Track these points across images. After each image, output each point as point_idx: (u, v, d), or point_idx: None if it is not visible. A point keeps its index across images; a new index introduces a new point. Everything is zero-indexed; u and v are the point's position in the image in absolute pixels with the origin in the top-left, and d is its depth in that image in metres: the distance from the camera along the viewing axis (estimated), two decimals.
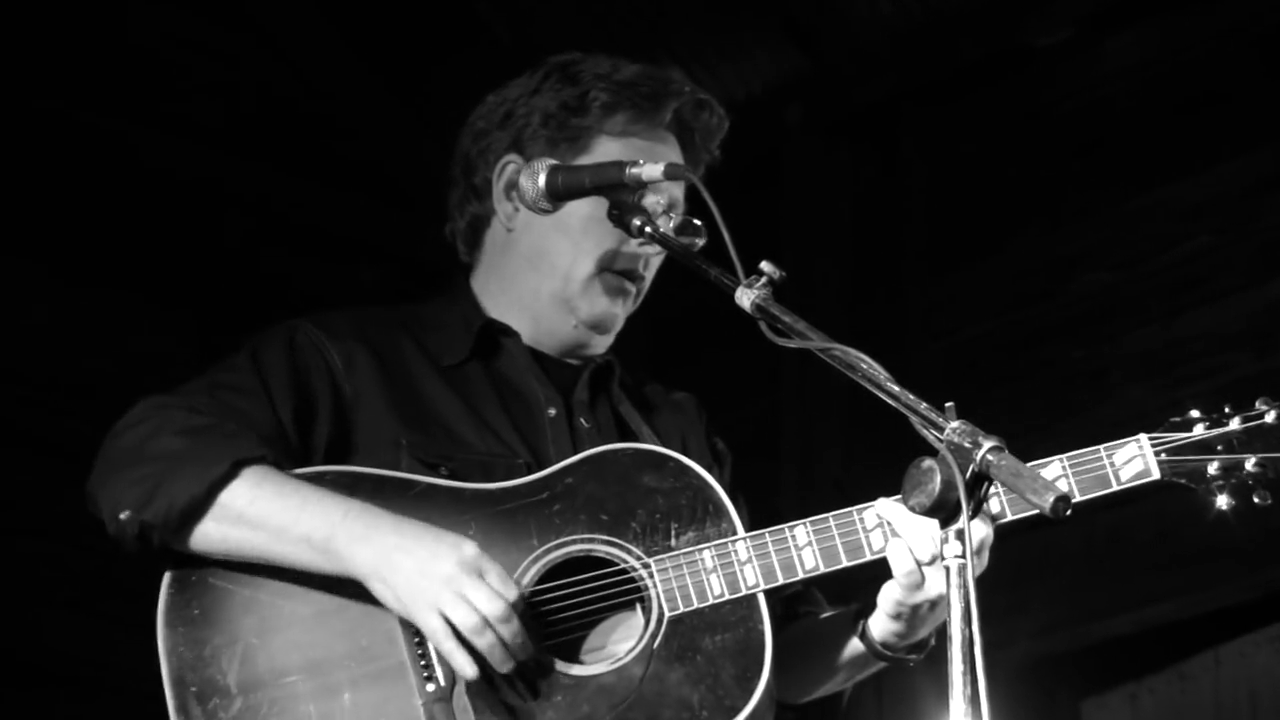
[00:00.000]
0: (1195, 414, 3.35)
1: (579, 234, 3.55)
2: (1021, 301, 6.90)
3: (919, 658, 3.47)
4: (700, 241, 3.46)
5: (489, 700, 3.21)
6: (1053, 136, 6.93)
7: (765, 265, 3.06)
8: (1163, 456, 3.30)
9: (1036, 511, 2.65)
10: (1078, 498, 3.27)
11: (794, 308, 3.03)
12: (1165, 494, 3.36)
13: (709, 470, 3.54)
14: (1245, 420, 3.31)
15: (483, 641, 3.16)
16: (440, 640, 3.18)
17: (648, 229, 3.28)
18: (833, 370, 2.93)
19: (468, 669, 3.17)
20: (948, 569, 2.64)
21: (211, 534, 3.24)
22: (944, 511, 2.66)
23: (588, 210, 3.49)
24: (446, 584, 3.15)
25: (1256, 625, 6.41)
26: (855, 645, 3.45)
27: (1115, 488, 3.30)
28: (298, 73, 7.20)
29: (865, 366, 2.86)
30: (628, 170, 3.29)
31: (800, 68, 7.36)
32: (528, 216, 3.56)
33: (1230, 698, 6.37)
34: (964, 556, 2.64)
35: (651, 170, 3.27)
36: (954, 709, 2.59)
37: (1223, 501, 3.30)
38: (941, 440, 2.68)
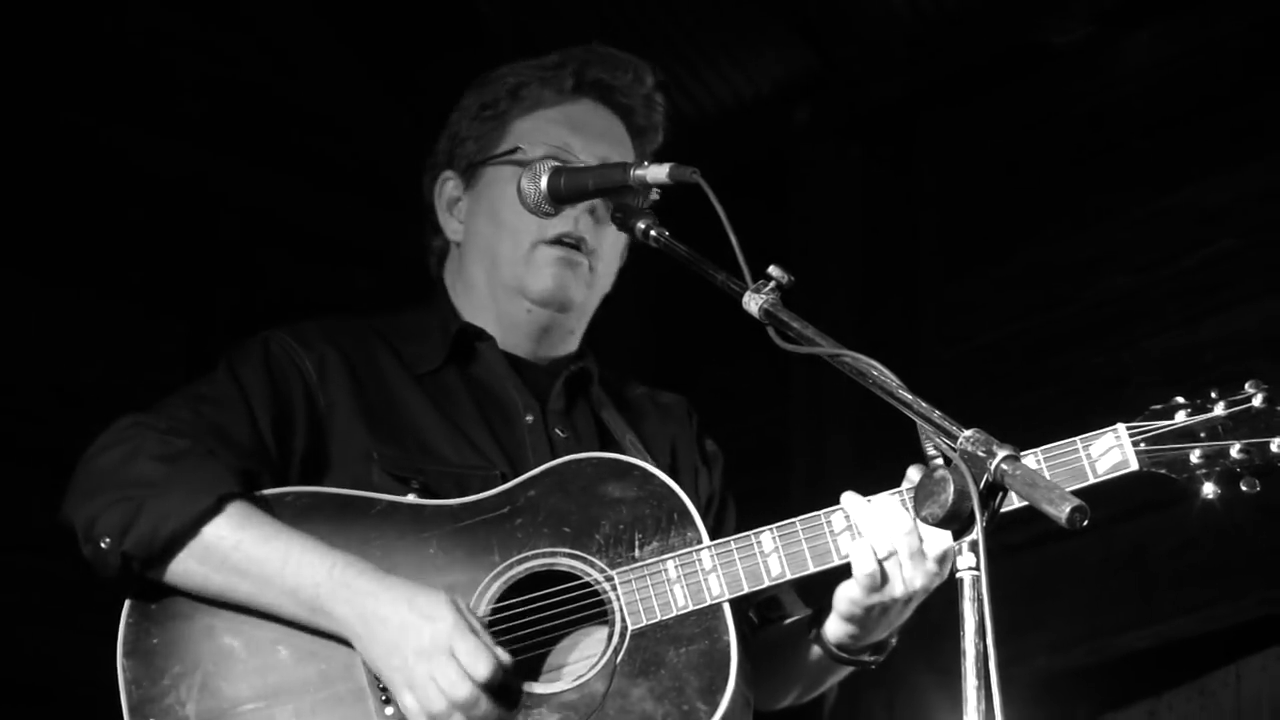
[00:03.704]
0: (1179, 400, 3.30)
1: (508, 216, 3.62)
2: (1038, 307, 6.90)
3: (879, 659, 3.49)
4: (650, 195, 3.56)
5: None
6: (1070, 137, 6.93)
7: (774, 270, 3.08)
8: (1141, 446, 3.27)
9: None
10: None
11: (803, 313, 3.04)
12: (1184, 506, 3.35)
13: (697, 474, 3.61)
14: (1230, 405, 3.25)
15: None
16: (413, 718, 3.22)
17: (653, 232, 3.30)
18: (843, 378, 2.94)
19: None
20: (961, 580, 2.65)
21: (194, 573, 3.29)
22: (957, 522, 2.67)
23: (512, 191, 3.55)
24: (418, 660, 3.19)
25: (1278, 640, 6.41)
26: (813, 650, 3.48)
27: (1092, 480, 3.28)
28: (294, 74, 7.21)
29: (876, 374, 2.88)
30: (631, 172, 3.33)
31: (810, 67, 7.37)
32: (468, 222, 3.69)
33: (1252, 713, 6.36)
34: (978, 568, 2.65)
35: (656, 172, 3.30)
36: None
37: (1208, 490, 3.24)
38: (955, 449, 2.69)
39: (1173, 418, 3.28)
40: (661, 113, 3.82)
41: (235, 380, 3.46)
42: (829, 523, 3.36)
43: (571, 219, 3.60)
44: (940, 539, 3.27)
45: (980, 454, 2.66)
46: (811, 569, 3.34)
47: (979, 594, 2.64)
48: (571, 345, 3.74)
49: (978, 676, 2.61)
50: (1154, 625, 6.40)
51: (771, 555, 3.33)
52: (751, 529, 3.37)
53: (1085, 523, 2.59)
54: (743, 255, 3.09)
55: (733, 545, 3.34)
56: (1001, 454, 2.64)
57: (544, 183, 3.43)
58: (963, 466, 2.66)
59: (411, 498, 3.39)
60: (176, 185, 6.96)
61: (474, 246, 3.70)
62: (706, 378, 7.46)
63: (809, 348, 2.98)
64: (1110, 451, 3.28)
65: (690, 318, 6.99)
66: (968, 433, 2.70)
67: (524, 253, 3.62)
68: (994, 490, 2.66)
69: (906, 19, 7.14)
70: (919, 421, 2.77)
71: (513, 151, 3.66)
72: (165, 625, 3.32)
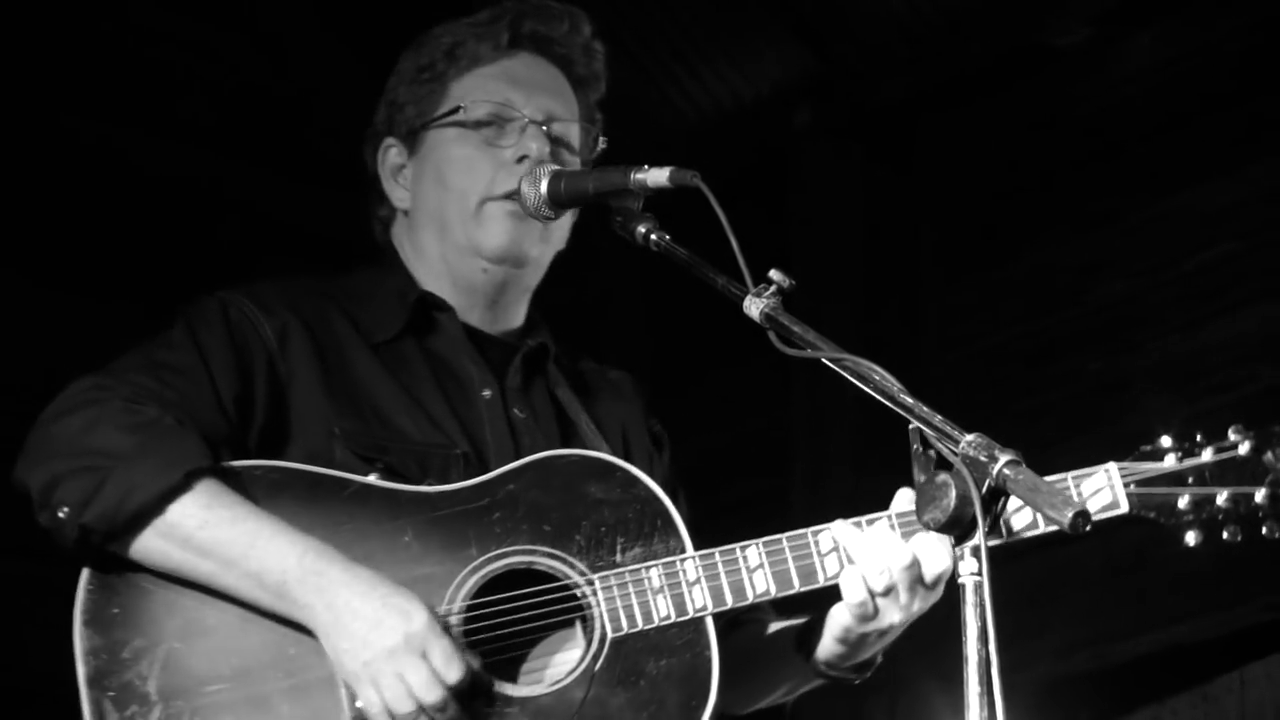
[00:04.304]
0: (1166, 442, 3.36)
1: (456, 177, 3.61)
2: (1039, 310, 6.91)
3: (865, 676, 3.49)
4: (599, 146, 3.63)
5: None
6: (1071, 139, 6.93)
7: (774, 273, 3.09)
8: (1131, 488, 3.31)
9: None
10: (1041, 529, 3.28)
11: (803, 317, 3.05)
12: None
13: (651, 460, 3.59)
14: (1218, 451, 3.33)
15: None
16: (374, 715, 3.17)
17: (653, 236, 3.30)
18: (844, 382, 2.94)
19: None
20: (963, 586, 2.66)
21: (154, 549, 3.22)
22: (959, 528, 2.67)
23: (456, 152, 3.58)
24: (388, 659, 3.14)
25: None
26: (796, 662, 3.47)
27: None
28: (294, 75, 7.22)
29: (878, 378, 2.88)
30: (632, 175, 3.33)
31: (810, 68, 7.37)
32: (414, 188, 3.67)
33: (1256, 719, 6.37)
34: (980, 574, 2.65)
35: (656, 175, 3.30)
36: None
37: (1191, 538, 3.32)
38: (957, 454, 2.70)
39: (1162, 459, 3.34)
40: (601, 61, 3.78)
41: (196, 346, 3.40)
42: (816, 542, 3.34)
43: (516, 175, 3.57)
44: (938, 561, 3.27)
45: (982, 459, 2.67)
46: (797, 588, 3.33)
47: (981, 600, 2.65)
48: (524, 310, 3.69)
49: (980, 682, 2.61)
50: (1157, 630, 6.40)
51: (757, 571, 3.31)
52: (756, 535, 3.36)
53: (1088, 528, 2.60)
54: (743, 259, 3.10)
55: (717, 557, 3.32)
56: (1004, 459, 2.65)
57: (544, 186, 3.46)
58: (965, 471, 2.67)
59: (374, 477, 3.33)
60: (176, 186, 6.96)
61: (423, 212, 3.67)
62: (707, 382, 7.47)
63: (810, 352, 2.99)
64: (1101, 491, 3.31)
65: (690, 322, 6.99)
66: (969, 437, 2.71)
67: (472, 211, 3.58)
68: (996, 495, 2.66)
69: (907, 20, 7.14)
70: (921, 426, 2.77)
71: (454, 111, 3.63)
72: (127, 596, 3.23)
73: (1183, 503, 3.30)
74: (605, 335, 7.82)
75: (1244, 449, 3.32)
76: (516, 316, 3.69)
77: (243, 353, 3.42)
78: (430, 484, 3.36)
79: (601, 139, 3.72)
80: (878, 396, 2.88)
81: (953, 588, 2.71)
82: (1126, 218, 6.74)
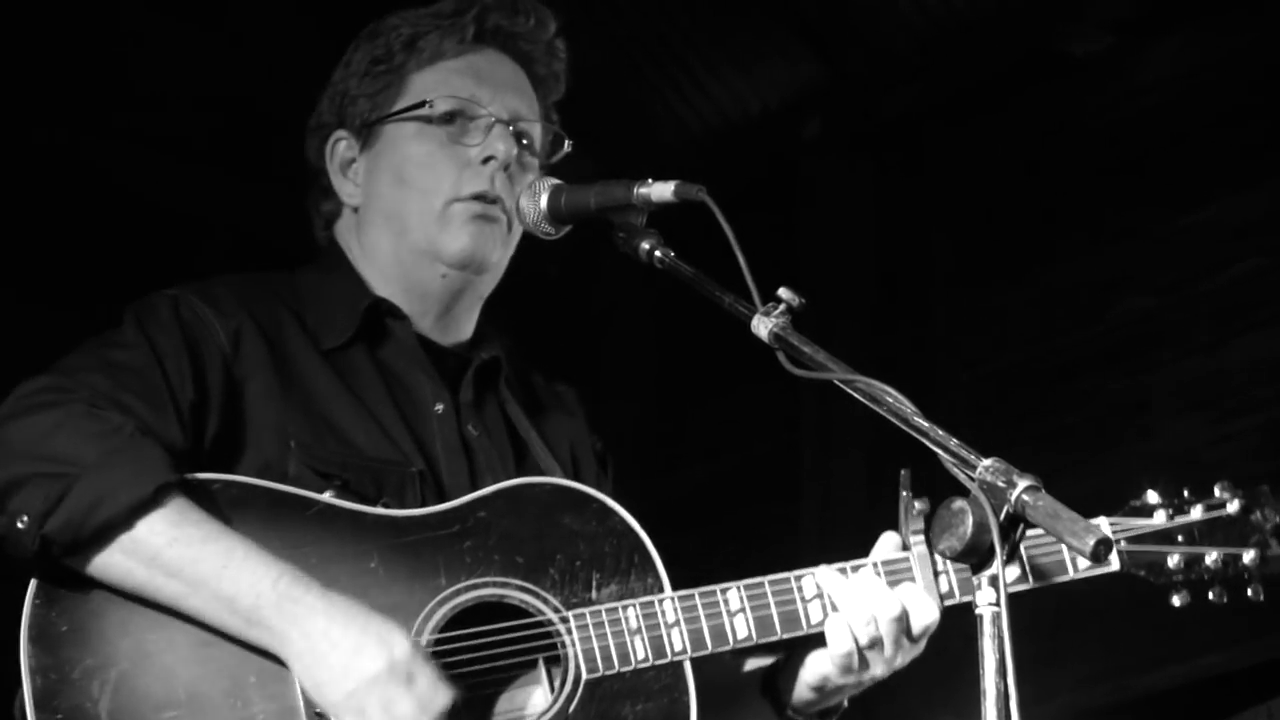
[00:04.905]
0: (1154, 499, 3.42)
1: (417, 176, 3.56)
2: (1057, 328, 6.90)
3: None
4: (564, 148, 3.62)
5: None
6: (1090, 151, 6.94)
7: (783, 291, 3.08)
8: (1122, 544, 3.37)
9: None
10: (1030, 584, 3.32)
11: (812, 335, 3.04)
12: None
13: (599, 482, 3.56)
14: (1207, 509, 3.40)
15: None
16: None
17: (657, 253, 3.28)
18: (856, 404, 2.94)
19: None
20: (980, 617, 2.65)
21: (116, 566, 3.15)
22: (976, 556, 2.67)
23: (417, 149, 3.54)
24: (372, 688, 3.10)
25: None
26: (764, 706, 3.46)
27: (1070, 575, 3.39)
28: (281, 88, 7.22)
29: (891, 400, 2.87)
30: (635, 190, 3.31)
31: (819, 78, 7.38)
32: (367, 185, 3.61)
33: None
34: (998, 604, 2.65)
35: (661, 190, 3.29)
36: None
37: (1177, 600, 3.42)
38: (974, 479, 2.69)
39: (1151, 516, 3.40)
40: (563, 62, 3.73)
41: (150, 347, 3.33)
42: (799, 587, 3.33)
43: (487, 176, 3.54)
44: (926, 614, 3.27)
45: (1000, 484, 2.66)
46: (779, 635, 3.31)
47: (999, 631, 2.64)
48: (475, 319, 3.66)
49: (999, 716, 2.61)
50: (1182, 662, 6.39)
51: (738, 615, 3.30)
52: (763, 563, 3.35)
53: (1110, 556, 2.60)
54: (751, 276, 3.09)
55: (697, 599, 3.30)
56: (1022, 484, 2.64)
57: (543, 201, 3.43)
58: (982, 497, 2.67)
59: (329, 495, 3.28)
60: (162, 202, 6.97)
61: (376, 210, 3.61)
62: (713, 404, 7.47)
63: (821, 373, 2.98)
64: None
65: (696, 341, 6.99)
66: (986, 462, 2.70)
67: (436, 212, 3.54)
68: (1014, 522, 2.66)
69: (919, 26, 7.14)
70: (936, 450, 2.77)
71: (419, 105, 3.59)
72: (76, 613, 3.15)
73: (1172, 561, 3.39)
74: (607, 354, 7.82)
75: (1233, 508, 3.41)
76: (468, 326, 3.65)
77: (196, 356, 3.35)
78: (386, 503, 3.33)
79: (568, 142, 3.68)
80: (891, 419, 2.87)
81: (969, 619, 2.70)
82: (1148, 232, 6.74)
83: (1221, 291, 6.54)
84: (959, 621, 3.30)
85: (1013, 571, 3.25)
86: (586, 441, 3.73)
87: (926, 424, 2.81)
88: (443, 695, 3.12)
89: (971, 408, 6.89)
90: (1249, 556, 3.39)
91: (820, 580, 3.32)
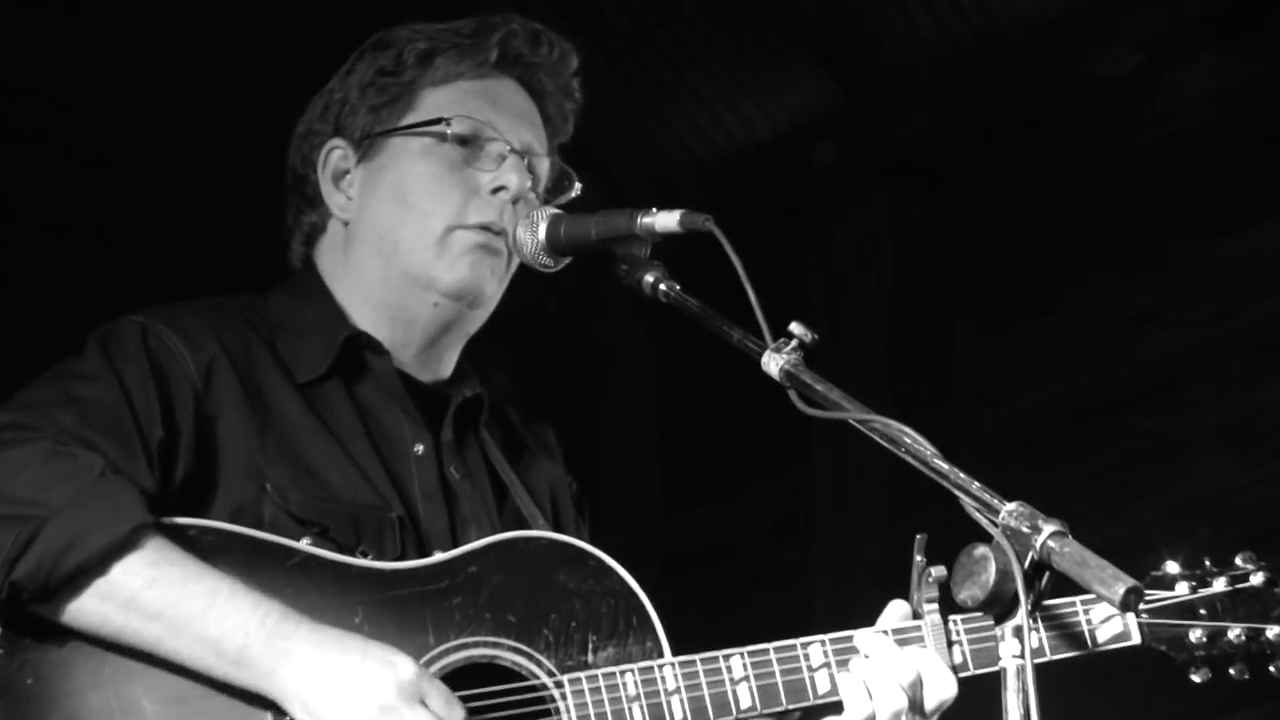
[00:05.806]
0: (1175, 570, 3.43)
1: (419, 196, 3.54)
2: (1085, 365, 6.91)
3: None
4: (574, 190, 3.60)
5: None
6: (1120, 176, 6.95)
7: (795, 326, 3.07)
8: (1144, 618, 3.37)
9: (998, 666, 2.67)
10: (1048, 657, 3.31)
11: (826, 372, 3.04)
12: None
13: (578, 528, 3.56)
14: (1231, 582, 3.40)
15: None
16: None
17: (662, 286, 3.27)
18: (872, 445, 2.93)
19: None
20: (1004, 670, 2.65)
21: (90, 612, 3.11)
22: (999, 606, 2.67)
23: (423, 169, 3.52)
24: (383, 714, 3.07)
25: None
26: None
27: (1090, 649, 3.38)
28: (274, 116, 7.26)
29: (909, 441, 2.87)
30: (638, 220, 3.30)
31: (833, 100, 7.39)
32: (361, 199, 3.57)
33: None
34: (1022, 656, 2.64)
35: (665, 219, 3.28)
36: None
37: (1198, 676, 3.40)
38: (997, 525, 2.69)
39: (1173, 588, 3.41)
40: (576, 105, 3.72)
41: (119, 383, 3.28)
42: (806, 655, 3.31)
43: (497, 207, 3.53)
44: (944, 688, 3.26)
45: (1025, 530, 2.66)
46: (785, 705, 3.29)
47: (1024, 684, 2.64)
48: (457, 356, 3.63)
49: None
50: (1219, 716, 6.38)
51: (741, 684, 3.28)
52: (772, 613, 3.34)
53: (1141, 605, 2.60)
54: (761, 310, 3.08)
55: (699, 666, 3.29)
56: (1048, 530, 2.64)
57: (542, 232, 3.41)
58: (1005, 544, 2.66)
59: (306, 541, 3.25)
60: (153, 233, 7.01)
61: (367, 227, 3.58)
62: (720, 444, 7.47)
63: (834, 413, 2.98)
64: (1112, 620, 3.36)
65: (703, 378, 6.99)
66: (1010, 506, 2.70)
67: (435, 238, 3.52)
68: (1040, 570, 2.65)
69: (938, 46, 7.15)
70: (957, 493, 2.77)
71: (434, 122, 3.56)
72: (43, 665, 3.09)
73: (1194, 636, 3.39)
74: (611, 391, 7.82)
75: (1257, 580, 3.41)
76: (450, 363, 3.63)
77: (165, 390, 3.31)
78: (364, 550, 3.31)
79: (577, 185, 3.66)
80: (909, 461, 2.87)
81: (992, 673, 2.70)
82: (1180, 263, 6.75)
83: (1259, 325, 6.54)
84: (981, 676, 3.31)
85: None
86: (565, 486, 3.72)
87: (947, 466, 2.81)
88: (459, 711, 3.11)
89: (994, 449, 6.89)
90: (1273, 632, 3.39)
91: (859, 643, 3.30)
